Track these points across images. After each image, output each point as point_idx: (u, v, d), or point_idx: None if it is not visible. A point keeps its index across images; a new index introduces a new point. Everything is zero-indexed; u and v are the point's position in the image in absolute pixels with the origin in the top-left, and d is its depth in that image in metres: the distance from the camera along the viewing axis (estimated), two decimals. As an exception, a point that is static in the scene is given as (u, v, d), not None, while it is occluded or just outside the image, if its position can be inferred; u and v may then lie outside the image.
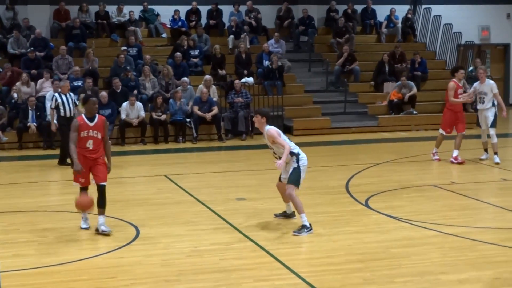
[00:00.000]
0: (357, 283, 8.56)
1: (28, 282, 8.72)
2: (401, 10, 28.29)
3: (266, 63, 23.94)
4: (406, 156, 18.06)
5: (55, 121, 17.06)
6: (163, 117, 20.94)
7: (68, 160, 16.37)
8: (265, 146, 19.90)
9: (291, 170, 10.74)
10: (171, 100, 21.42)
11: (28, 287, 8.55)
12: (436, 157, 16.80)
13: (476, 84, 16.61)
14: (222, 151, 20.10)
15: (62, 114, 16.73)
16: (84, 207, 10.70)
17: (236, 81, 22.29)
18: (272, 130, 10.75)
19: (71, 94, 17.18)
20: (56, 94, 16.98)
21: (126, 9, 25.77)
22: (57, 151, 19.22)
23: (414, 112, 23.67)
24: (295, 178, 10.72)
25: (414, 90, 23.81)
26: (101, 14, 25.39)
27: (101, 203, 10.74)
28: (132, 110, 20.61)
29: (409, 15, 28.26)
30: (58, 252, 9.95)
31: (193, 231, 11.00)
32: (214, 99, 21.72)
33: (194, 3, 26.39)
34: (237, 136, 21.49)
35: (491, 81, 16.50)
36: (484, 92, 16.27)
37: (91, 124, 10.64)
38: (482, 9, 29.98)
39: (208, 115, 21.02)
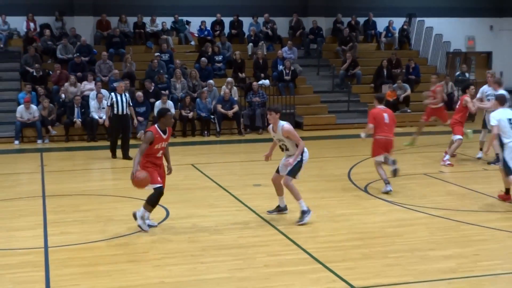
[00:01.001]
0: (356, 257, 8.59)
1: (73, 256, 8.82)
2: (398, 22, 28.14)
3: (280, 67, 23.91)
4: (401, 148, 17.99)
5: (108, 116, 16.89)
6: (191, 114, 20.98)
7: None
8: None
9: (294, 163, 10.17)
10: (197, 99, 21.44)
11: (73, 260, 8.64)
12: (448, 162, 15.31)
13: (484, 88, 15.85)
14: (241, 144, 20.13)
15: (115, 112, 16.41)
16: (142, 182, 9.60)
17: (254, 83, 22.30)
18: (288, 126, 10.21)
19: (126, 94, 16.79)
20: (112, 94, 16.69)
21: (160, 20, 25.80)
22: (98, 143, 19.41)
23: (408, 110, 23.58)
24: (294, 169, 10.19)
25: (408, 91, 23.76)
26: (139, 24, 25.45)
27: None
28: (164, 108, 20.62)
29: (405, 27, 28.13)
30: (99, 230, 10.05)
31: (216, 213, 11.06)
32: (235, 98, 21.74)
33: (218, 15, 26.41)
34: (255, 131, 21.52)
35: None
36: (493, 95, 15.29)
37: (165, 137, 9.87)
38: (469, 21, 29.80)
39: (230, 112, 21.06)
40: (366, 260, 8.49)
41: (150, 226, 10.08)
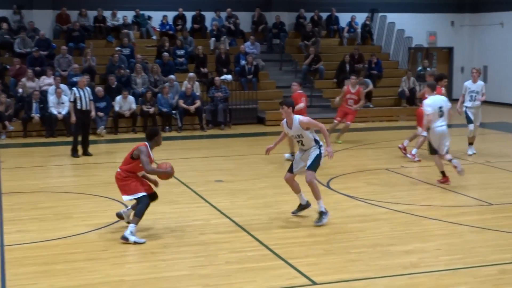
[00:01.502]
0: (318, 254, 8.58)
1: (30, 255, 8.65)
2: (361, 18, 28.29)
3: (243, 62, 23.86)
4: (362, 143, 18.12)
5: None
6: (152, 109, 20.82)
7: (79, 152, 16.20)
8: (241, 135, 19.97)
9: (314, 156, 9.86)
10: (159, 95, 21.29)
11: (30, 259, 8.48)
12: (417, 158, 15.23)
13: (468, 83, 15.83)
14: (203, 139, 20.03)
15: (78, 107, 15.90)
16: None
17: (216, 78, 22.21)
18: (303, 118, 9.89)
19: (88, 88, 16.35)
20: (75, 89, 16.15)
21: (121, 14, 25.56)
22: (57, 139, 19.17)
23: (371, 105, 23.70)
24: (316, 164, 9.88)
25: (371, 86, 23.82)
26: (99, 18, 25.16)
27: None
28: (125, 103, 20.47)
29: (367, 22, 28.27)
30: (57, 228, 9.88)
31: (177, 209, 10.97)
32: (197, 93, 21.62)
33: (180, 9, 26.25)
34: (217, 126, 21.44)
35: (482, 82, 15.98)
36: (476, 91, 15.64)
37: (153, 157, 9.68)
38: (430, 17, 30.12)
39: (192, 108, 20.95)
40: (328, 256, 8.49)
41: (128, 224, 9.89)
